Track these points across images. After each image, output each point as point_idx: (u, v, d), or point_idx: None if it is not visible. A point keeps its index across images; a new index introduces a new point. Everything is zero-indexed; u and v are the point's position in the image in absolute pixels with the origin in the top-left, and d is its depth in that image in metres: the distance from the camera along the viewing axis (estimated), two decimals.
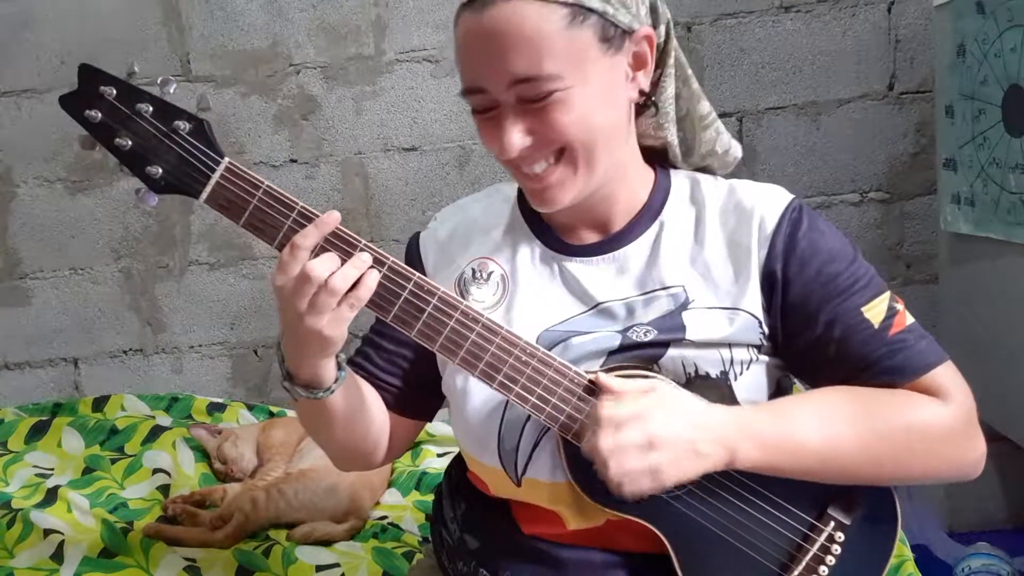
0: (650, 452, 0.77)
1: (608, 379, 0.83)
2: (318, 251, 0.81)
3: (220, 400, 2.09)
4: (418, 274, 0.84)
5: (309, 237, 0.80)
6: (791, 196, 0.93)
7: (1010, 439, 1.78)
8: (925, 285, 2.18)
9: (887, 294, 0.89)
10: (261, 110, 2.15)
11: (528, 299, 0.93)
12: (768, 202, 0.91)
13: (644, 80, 0.90)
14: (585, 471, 0.85)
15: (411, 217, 2.17)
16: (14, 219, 2.18)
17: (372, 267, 0.81)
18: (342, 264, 0.80)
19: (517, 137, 0.84)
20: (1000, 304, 1.72)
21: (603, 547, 0.90)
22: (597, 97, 0.85)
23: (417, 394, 1.01)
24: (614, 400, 0.79)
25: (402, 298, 0.83)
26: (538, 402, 0.84)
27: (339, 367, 0.88)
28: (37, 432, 1.92)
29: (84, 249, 2.19)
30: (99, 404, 2.03)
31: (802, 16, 2.10)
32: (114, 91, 0.82)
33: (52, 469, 1.80)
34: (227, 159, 0.83)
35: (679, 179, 0.97)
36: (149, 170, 0.83)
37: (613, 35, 0.85)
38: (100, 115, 0.83)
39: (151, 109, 0.83)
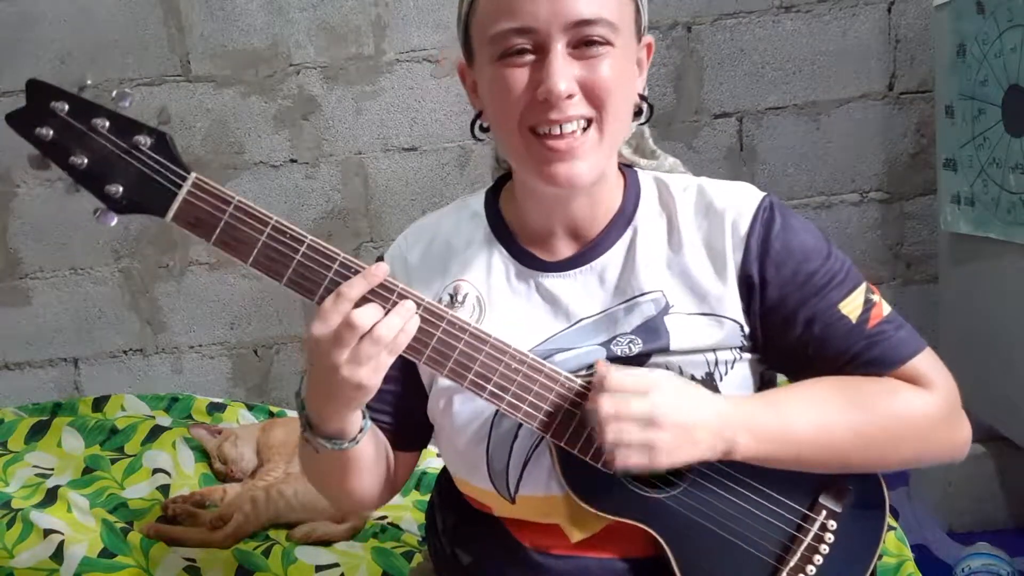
0: (649, 428, 0.77)
1: (607, 366, 0.82)
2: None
3: (220, 400, 2.09)
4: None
5: (355, 287, 0.78)
6: (762, 194, 0.92)
7: (1010, 439, 1.78)
8: (925, 285, 2.18)
9: (863, 286, 0.89)
10: (261, 110, 2.15)
11: (505, 319, 0.91)
12: (739, 202, 0.91)
13: (641, 83, 0.92)
14: (581, 480, 0.85)
15: (411, 217, 2.15)
16: (14, 219, 2.18)
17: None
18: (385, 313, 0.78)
19: (568, 77, 0.81)
20: (1000, 304, 1.72)
21: (599, 555, 0.90)
22: (628, 73, 0.86)
23: (411, 428, 1.00)
24: (624, 370, 0.79)
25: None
26: (530, 409, 0.83)
27: (363, 416, 0.87)
28: (37, 432, 1.92)
29: (84, 249, 2.19)
30: (99, 404, 2.03)
31: (802, 16, 2.10)
32: (66, 106, 0.77)
33: (52, 469, 1.80)
34: (194, 174, 0.78)
35: (647, 181, 0.96)
36: (108, 189, 0.78)
37: (639, 26, 0.88)
38: (52, 133, 0.77)
39: (108, 124, 0.77)
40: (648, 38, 0.91)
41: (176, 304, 2.22)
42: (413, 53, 2.13)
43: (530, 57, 0.83)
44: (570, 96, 0.82)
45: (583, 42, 0.82)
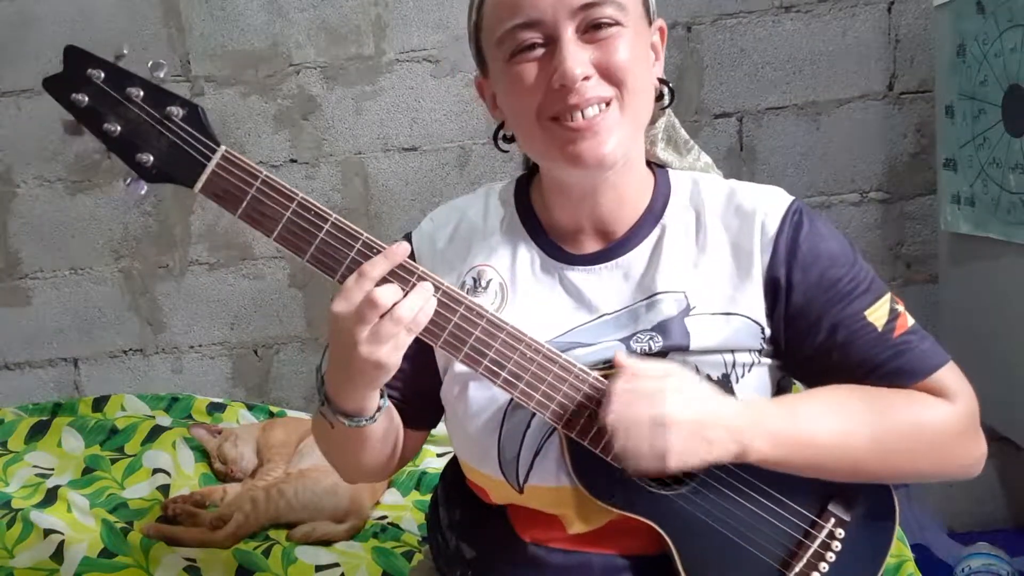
0: (659, 431, 0.77)
1: (626, 358, 0.82)
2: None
3: (220, 400, 2.09)
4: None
5: (377, 266, 0.79)
6: (791, 198, 0.92)
7: (1010, 439, 1.78)
8: (925, 285, 2.18)
9: (888, 295, 0.89)
10: (261, 110, 2.15)
11: (528, 308, 0.91)
12: (769, 204, 0.91)
13: (659, 68, 0.92)
14: (590, 473, 0.85)
15: (411, 217, 2.17)
16: (14, 219, 2.18)
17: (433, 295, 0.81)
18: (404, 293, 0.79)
19: (582, 62, 0.81)
20: (1000, 304, 1.72)
21: (602, 550, 0.90)
22: (642, 54, 0.86)
23: (421, 406, 1.00)
24: (632, 376, 0.79)
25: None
26: (542, 399, 0.83)
27: (381, 395, 0.87)
28: (37, 432, 1.92)
29: (84, 249, 2.19)
30: (99, 404, 2.03)
31: (802, 16, 2.10)
32: (102, 74, 0.79)
33: (52, 469, 1.80)
34: (224, 147, 0.80)
35: (680, 181, 0.96)
36: (140, 157, 0.80)
37: (649, 8, 0.89)
38: (87, 99, 0.79)
39: (142, 94, 0.80)
40: (659, 22, 0.91)
41: (176, 304, 2.22)
42: (413, 53, 2.12)
43: (541, 50, 0.83)
44: (587, 78, 0.82)
45: (592, 25, 0.82)
